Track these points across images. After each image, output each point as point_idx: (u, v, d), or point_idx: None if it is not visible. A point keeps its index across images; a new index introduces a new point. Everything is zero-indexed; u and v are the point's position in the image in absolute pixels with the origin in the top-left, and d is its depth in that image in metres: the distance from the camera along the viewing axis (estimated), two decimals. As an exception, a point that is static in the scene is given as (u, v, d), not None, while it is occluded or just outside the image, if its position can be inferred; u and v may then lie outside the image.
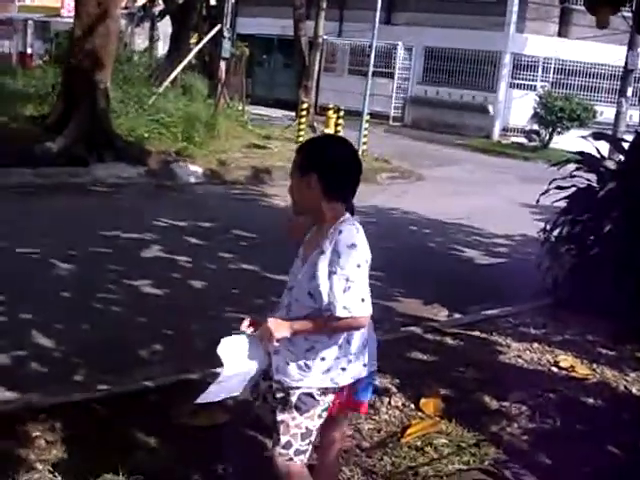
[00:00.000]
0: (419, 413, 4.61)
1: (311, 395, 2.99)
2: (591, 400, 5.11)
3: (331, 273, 2.86)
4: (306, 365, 2.97)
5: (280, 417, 3.01)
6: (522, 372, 5.54)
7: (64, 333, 5.68)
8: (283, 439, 3.00)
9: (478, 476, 3.93)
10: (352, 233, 2.90)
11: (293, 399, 2.99)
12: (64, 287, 6.75)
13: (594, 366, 5.74)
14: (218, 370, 4.85)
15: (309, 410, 3.00)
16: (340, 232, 2.89)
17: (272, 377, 3.05)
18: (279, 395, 3.03)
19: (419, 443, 4.21)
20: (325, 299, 2.89)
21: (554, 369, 5.65)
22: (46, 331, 5.64)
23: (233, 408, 4.46)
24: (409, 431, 4.34)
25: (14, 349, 5.31)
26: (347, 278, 2.84)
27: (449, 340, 6.00)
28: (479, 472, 3.97)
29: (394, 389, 4.89)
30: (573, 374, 5.54)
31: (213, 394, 3.07)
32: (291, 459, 3.03)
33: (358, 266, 2.86)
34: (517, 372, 5.53)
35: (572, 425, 4.68)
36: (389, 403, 4.69)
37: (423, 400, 4.73)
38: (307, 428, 3.02)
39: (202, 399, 3.09)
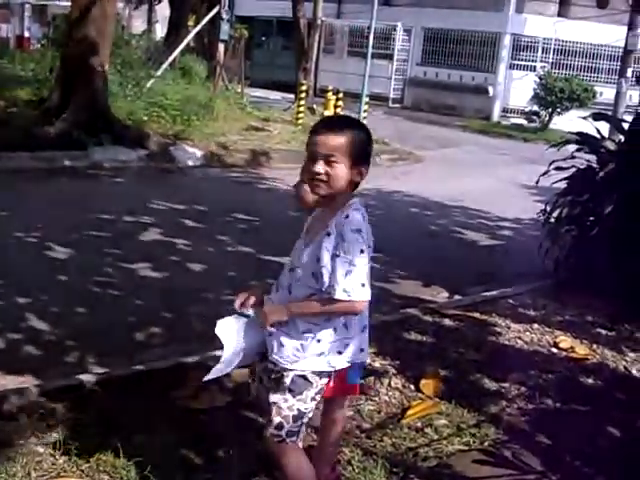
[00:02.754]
0: (419, 394, 4.61)
1: (305, 377, 2.99)
2: (590, 381, 5.11)
3: (335, 256, 2.86)
4: (302, 346, 2.97)
5: (273, 398, 3.02)
6: (521, 353, 5.55)
7: (62, 317, 5.68)
8: (275, 420, 3.01)
9: (478, 457, 3.93)
10: (358, 218, 2.90)
11: (287, 381, 2.99)
12: (62, 271, 6.74)
13: (594, 347, 5.74)
14: (218, 353, 4.86)
15: (302, 392, 3.00)
16: (347, 216, 2.89)
17: (268, 358, 3.05)
18: (273, 376, 3.03)
19: (419, 424, 4.22)
20: (326, 281, 2.89)
21: (554, 350, 5.65)
22: (44, 315, 5.64)
23: (233, 390, 4.47)
24: (409, 412, 4.34)
25: (12, 332, 5.31)
26: (350, 262, 2.85)
27: (448, 322, 6.00)
28: (479, 453, 3.98)
29: (394, 370, 4.89)
30: (573, 355, 5.55)
31: (218, 371, 3.13)
32: (283, 440, 3.04)
33: (361, 252, 2.86)
34: (516, 353, 5.53)
35: (571, 405, 4.68)
36: (389, 384, 4.70)
37: (423, 381, 4.73)
38: (299, 410, 3.02)
39: (208, 376, 3.18)
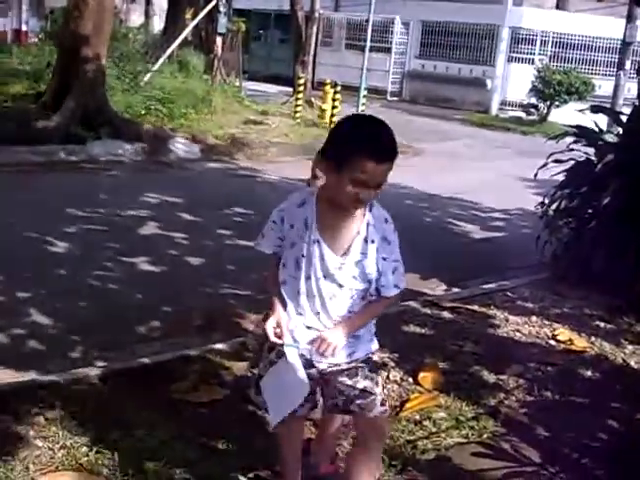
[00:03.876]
0: (417, 387, 4.62)
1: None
2: (589, 373, 5.12)
3: (383, 259, 2.93)
4: (370, 332, 3.09)
5: (364, 384, 3.00)
6: (520, 345, 5.55)
7: (62, 311, 5.68)
8: (379, 398, 3.03)
9: (477, 449, 3.94)
10: (389, 217, 3.00)
11: (369, 365, 3.07)
12: (61, 265, 6.74)
13: (592, 339, 5.75)
14: (217, 346, 4.88)
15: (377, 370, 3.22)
16: (386, 220, 2.98)
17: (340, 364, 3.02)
18: (354, 371, 3.01)
19: (418, 417, 4.23)
20: (375, 282, 2.95)
21: (552, 342, 5.66)
22: (44, 309, 5.64)
23: (232, 383, 4.48)
24: (407, 405, 4.35)
25: (12, 327, 5.31)
26: (395, 259, 2.95)
27: (447, 314, 6.00)
28: (478, 445, 3.99)
29: (392, 363, 4.90)
30: (571, 347, 5.56)
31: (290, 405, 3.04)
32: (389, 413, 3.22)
33: (400, 247, 2.98)
34: (515, 346, 5.54)
35: (570, 398, 4.69)
36: (387, 377, 4.70)
37: (421, 374, 4.74)
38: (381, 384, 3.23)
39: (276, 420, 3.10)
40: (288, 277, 2.99)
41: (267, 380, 3.05)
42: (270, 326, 2.95)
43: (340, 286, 2.93)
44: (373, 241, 2.91)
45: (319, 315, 2.96)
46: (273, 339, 2.94)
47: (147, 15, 28.75)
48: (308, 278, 2.93)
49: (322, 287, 2.93)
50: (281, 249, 3.03)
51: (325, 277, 2.92)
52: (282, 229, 2.99)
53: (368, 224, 2.92)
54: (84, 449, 3.58)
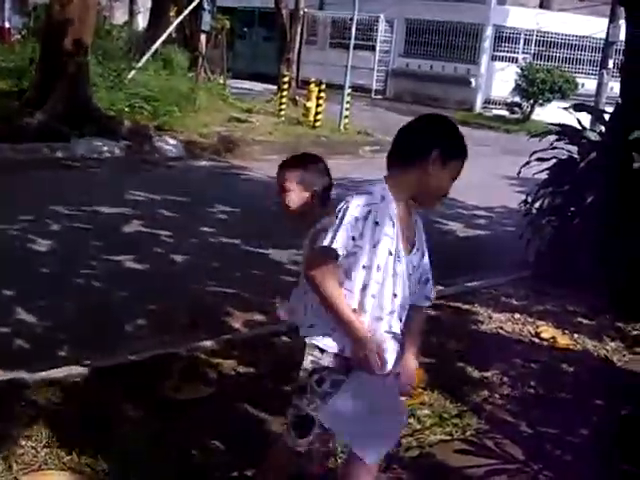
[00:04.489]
0: (401, 384, 4.62)
1: None
2: (572, 370, 5.15)
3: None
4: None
5: None
6: (503, 343, 5.58)
7: (46, 309, 5.65)
8: None
9: (460, 446, 3.96)
10: None
11: None
12: (45, 263, 6.71)
13: (575, 336, 5.79)
14: (202, 344, 4.87)
15: None
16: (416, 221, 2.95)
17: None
18: None
19: (402, 414, 4.23)
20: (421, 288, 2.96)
21: (535, 340, 5.69)
22: (28, 307, 5.61)
23: (216, 381, 4.48)
24: (392, 402, 4.35)
25: (-4, 326, 5.29)
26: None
27: (431, 311, 6.00)
28: (461, 442, 4.00)
29: (377, 361, 4.90)
30: (554, 344, 5.59)
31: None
32: None
33: None
34: (499, 343, 5.56)
35: (553, 394, 4.72)
36: (372, 375, 4.70)
37: (405, 372, 4.74)
38: None
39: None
40: (371, 280, 2.75)
41: (342, 410, 2.75)
42: (374, 354, 2.72)
43: (407, 288, 2.85)
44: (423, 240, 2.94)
45: (394, 315, 2.84)
46: (377, 370, 2.74)
47: (131, 12, 28.60)
48: (394, 275, 2.78)
49: (404, 287, 2.83)
50: (349, 251, 2.73)
51: (401, 277, 2.81)
52: (363, 226, 2.71)
53: (416, 221, 2.94)
54: (67, 448, 3.56)
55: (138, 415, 3.97)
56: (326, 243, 2.67)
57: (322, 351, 2.78)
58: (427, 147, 2.77)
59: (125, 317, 5.64)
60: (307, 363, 2.82)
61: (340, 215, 2.69)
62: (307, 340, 2.82)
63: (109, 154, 12.28)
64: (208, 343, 4.98)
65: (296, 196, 3.21)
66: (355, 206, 2.71)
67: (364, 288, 2.75)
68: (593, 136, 7.54)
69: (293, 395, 2.92)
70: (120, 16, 29.18)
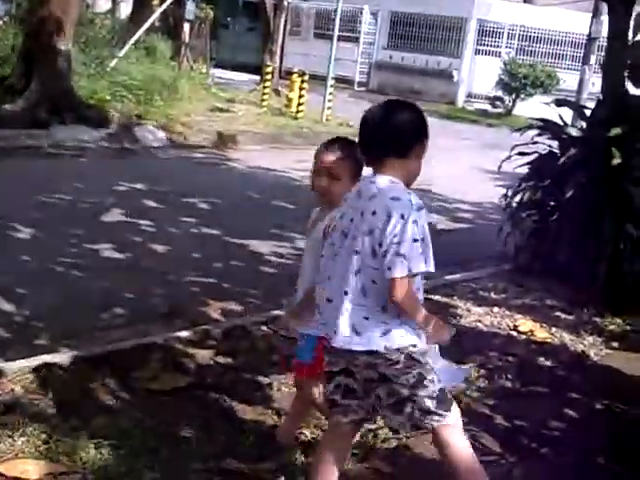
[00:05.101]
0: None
1: None
2: (549, 363, 5.19)
3: None
4: None
5: None
6: (481, 336, 5.61)
7: (25, 298, 5.63)
8: None
9: (437, 438, 3.97)
10: None
11: None
12: (25, 251, 6.67)
13: (553, 330, 5.82)
14: (179, 334, 4.87)
15: None
16: None
17: None
18: None
19: (379, 406, 4.24)
20: None
21: (513, 333, 5.72)
22: (7, 296, 5.57)
23: (194, 371, 4.48)
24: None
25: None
26: None
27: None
28: (438, 434, 4.01)
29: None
30: (532, 338, 5.62)
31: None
32: None
33: None
34: (476, 336, 5.59)
35: (530, 388, 4.75)
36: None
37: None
38: None
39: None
40: (420, 282, 3.25)
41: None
42: (448, 326, 3.29)
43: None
44: None
45: None
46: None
47: (114, 0, 28.42)
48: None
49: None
50: None
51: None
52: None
53: None
54: (44, 437, 3.55)
55: (116, 404, 3.97)
56: (425, 268, 3.11)
57: (414, 345, 3.03)
58: (419, 134, 3.04)
59: (104, 306, 5.62)
60: (412, 361, 3.01)
61: (421, 232, 3.14)
62: (387, 346, 2.97)
63: (90, 142, 12.19)
64: (186, 333, 4.97)
65: (342, 186, 3.23)
66: (424, 221, 3.14)
67: (418, 289, 3.16)
68: (574, 131, 7.58)
69: (411, 394, 3.03)
70: (103, 4, 28.93)
